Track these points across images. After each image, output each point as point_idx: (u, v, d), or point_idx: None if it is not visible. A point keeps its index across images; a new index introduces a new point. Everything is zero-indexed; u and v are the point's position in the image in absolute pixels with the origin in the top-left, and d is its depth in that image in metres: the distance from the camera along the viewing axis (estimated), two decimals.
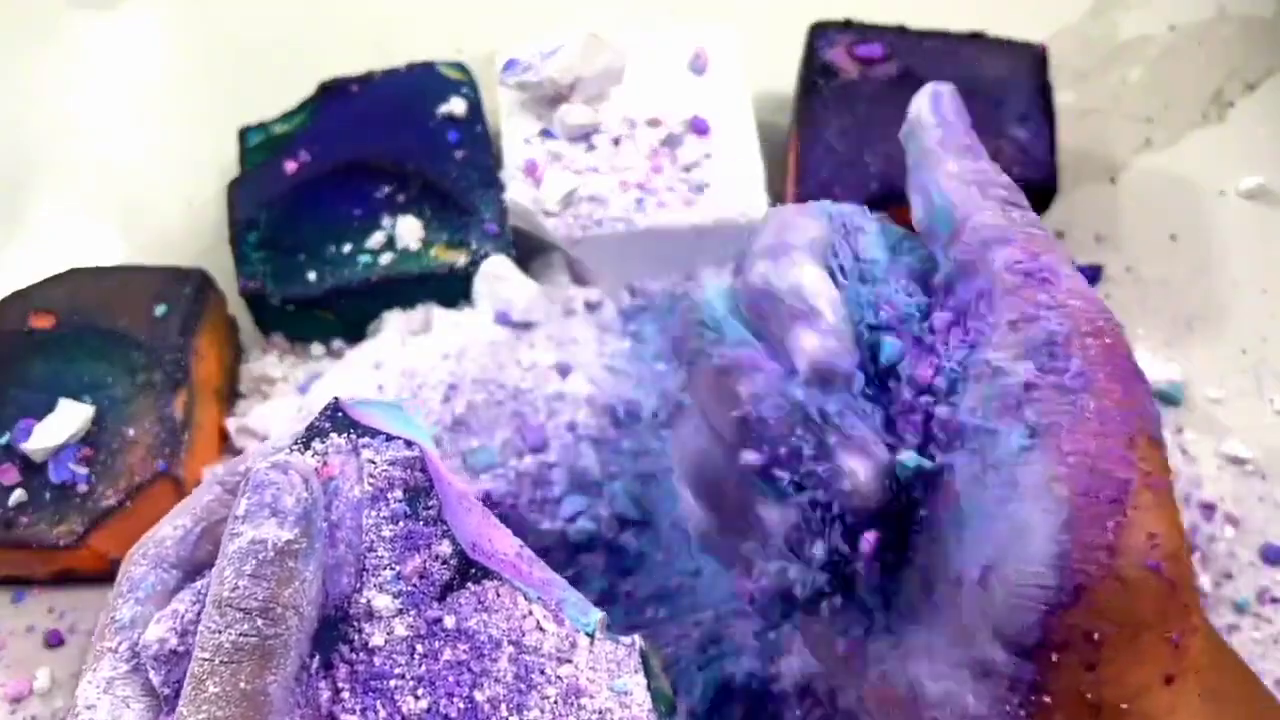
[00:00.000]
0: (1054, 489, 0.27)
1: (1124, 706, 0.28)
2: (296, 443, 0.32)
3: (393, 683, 0.30)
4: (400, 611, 0.30)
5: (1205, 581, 0.47)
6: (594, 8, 0.63)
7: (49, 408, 0.47)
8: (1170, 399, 0.52)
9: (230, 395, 0.53)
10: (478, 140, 0.54)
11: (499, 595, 0.31)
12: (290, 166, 0.54)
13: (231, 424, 0.51)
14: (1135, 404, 0.28)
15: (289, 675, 0.28)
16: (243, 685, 0.28)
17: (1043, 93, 0.55)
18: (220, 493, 0.33)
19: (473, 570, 0.31)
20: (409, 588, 0.30)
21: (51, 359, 0.49)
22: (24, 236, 0.59)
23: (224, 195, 0.54)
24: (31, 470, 0.46)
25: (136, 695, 0.31)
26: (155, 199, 0.60)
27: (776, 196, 0.55)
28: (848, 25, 0.57)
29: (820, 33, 0.57)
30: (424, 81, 0.56)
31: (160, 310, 0.50)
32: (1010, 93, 0.55)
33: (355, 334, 0.54)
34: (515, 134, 0.55)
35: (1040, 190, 0.54)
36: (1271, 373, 0.54)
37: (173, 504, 0.47)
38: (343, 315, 0.53)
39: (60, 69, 0.65)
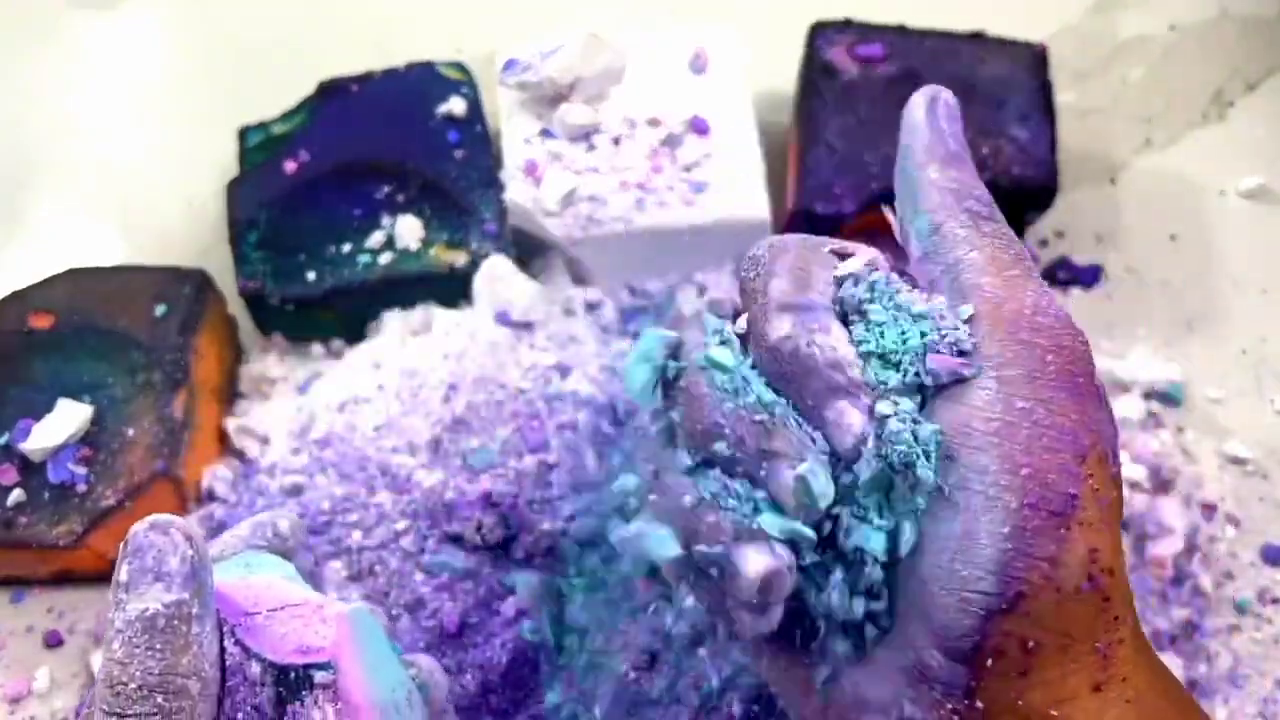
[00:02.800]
0: (1004, 499, 0.28)
1: (1053, 713, 0.29)
2: None
3: None
4: None
5: (1206, 581, 0.47)
6: (594, 8, 0.63)
7: (48, 408, 0.47)
8: (1170, 399, 0.52)
9: (230, 395, 0.53)
10: (477, 140, 0.54)
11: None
12: (290, 166, 0.54)
13: (231, 424, 0.51)
14: (1090, 422, 0.29)
15: None
16: None
17: (1043, 92, 0.55)
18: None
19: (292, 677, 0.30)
20: None
21: (51, 359, 0.49)
22: (24, 236, 0.59)
23: (224, 195, 0.54)
24: (31, 470, 0.46)
25: None
26: (155, 199, 0.60)
27: (776, 196, 0.55)
28: (848, 25, 0.57)
29: (820, 33, 0.57)
30: (424, 81, 0.56)
31: (160, 310, 0.50)
32: (1010, 92, 0.55)
33: (355, 334, 0.54)
34: (515, 134, 0.55)
35: (1040, 190, 0.54)
36: (1271, 373, 0.54)
37: (173, 504, 0.48)
38: (342, 315, 0.53)
39: (60, 69, 0.65)
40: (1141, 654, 0.30)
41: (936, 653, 0.29)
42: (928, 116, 0.34)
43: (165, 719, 0.27)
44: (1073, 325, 0.30)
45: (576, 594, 0.45)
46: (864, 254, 0.33)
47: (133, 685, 0.27)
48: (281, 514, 0.37)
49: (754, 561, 0.29)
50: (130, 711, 0.27)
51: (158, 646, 0.27)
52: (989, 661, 0.28)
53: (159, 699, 0.27)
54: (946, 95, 0.34)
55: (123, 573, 0.29)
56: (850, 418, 0.30)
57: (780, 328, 0.31)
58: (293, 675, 0.30)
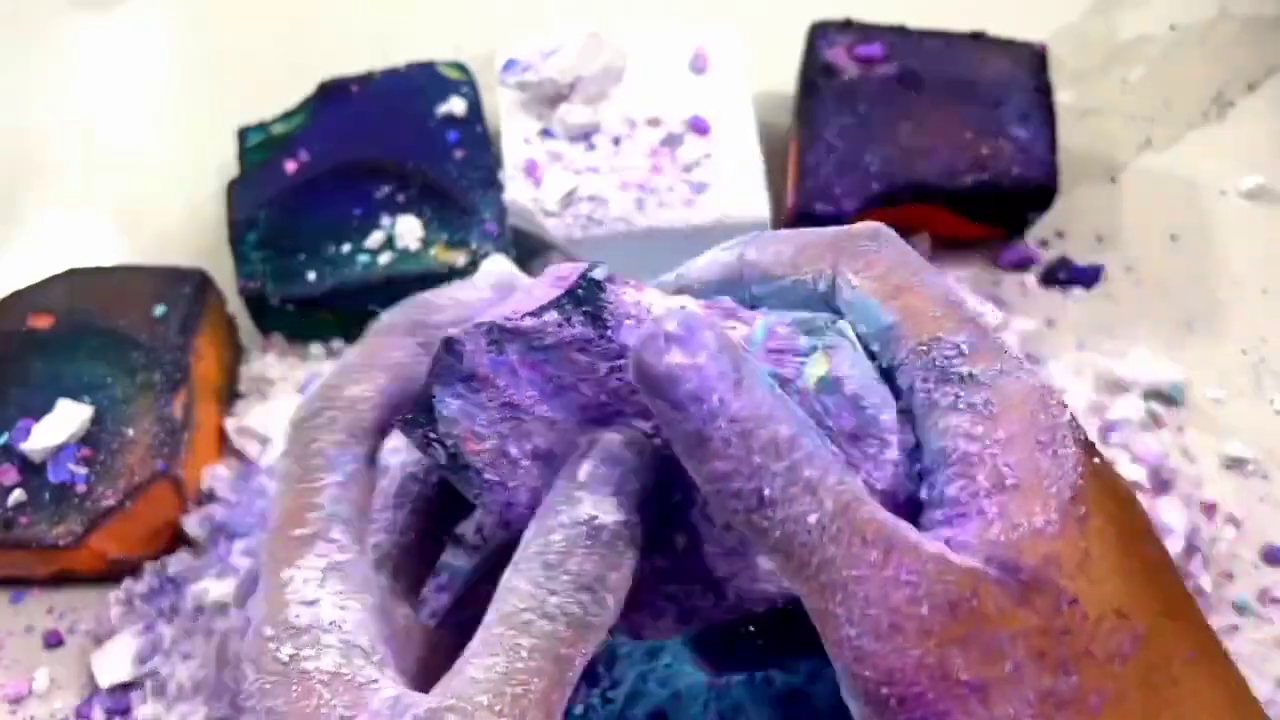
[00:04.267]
0: (848, 680, 0.27)
1: None
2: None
3: None
4: None
5: (1206, 582, 0.47)
6: (594, 7, 0.63)
7: (48, 408, 0.47)
8: (1171, 399, 0.52)
9: (230, 395, 0.53)
10: (477, 140, 0.54)
11: None
12: (290, 166, 0.54)
13: (231, 424, 0.51)
14: (931, 580, 0.26)
15: (589, 657, 0.28)
16: (561, 650, 0.27)
17: (1043, 92, 0.55)
18: (414, 348, 0.32)
19: None
20: None
21: (50, 359, 0.48)
22: (24, 236, 0.59)
23: (224, 195, 0.54)
24: (30, 470, 0.46)
25: (357, 590, 0.29)
26: (155, 199, 0.60)
27: (776, 196, 0.55)
28: (848, 25, 0.57)
29: (820, 33, 0.57)
30: (424, 81, 0.56)
31: (160, 310, 0.50)
32: (1010, 92, 0.55)
33: (355, 334, 0.53)
34: (515, 134, 0.55)
35: (1040, 190, 0.54)
36: (1272, 373, 0.54)
37: (172, 505, 0.48)
38: (342, 315, 0.53)
39: (60, 69, 0.65)
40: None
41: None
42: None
43: (583, 615, 0.28)
44: (898, 631, 0.26)
45: None
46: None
47: (570, 576, 0.28)
48: (498, 260, 0.35)
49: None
50: (559, 595, 0.28)
51: (598, 554, 0.28)
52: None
53: (585, 597, 0.28)
54: (668, 326, 0.26)
55: (583, 471, 0.29)
56: None
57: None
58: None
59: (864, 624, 0.26)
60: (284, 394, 0.52)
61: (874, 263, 0.31)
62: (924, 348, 0.29)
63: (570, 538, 0.28)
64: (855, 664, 0.26)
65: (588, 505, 0.29)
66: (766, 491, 0.26)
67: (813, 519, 0.26)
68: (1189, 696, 0.27)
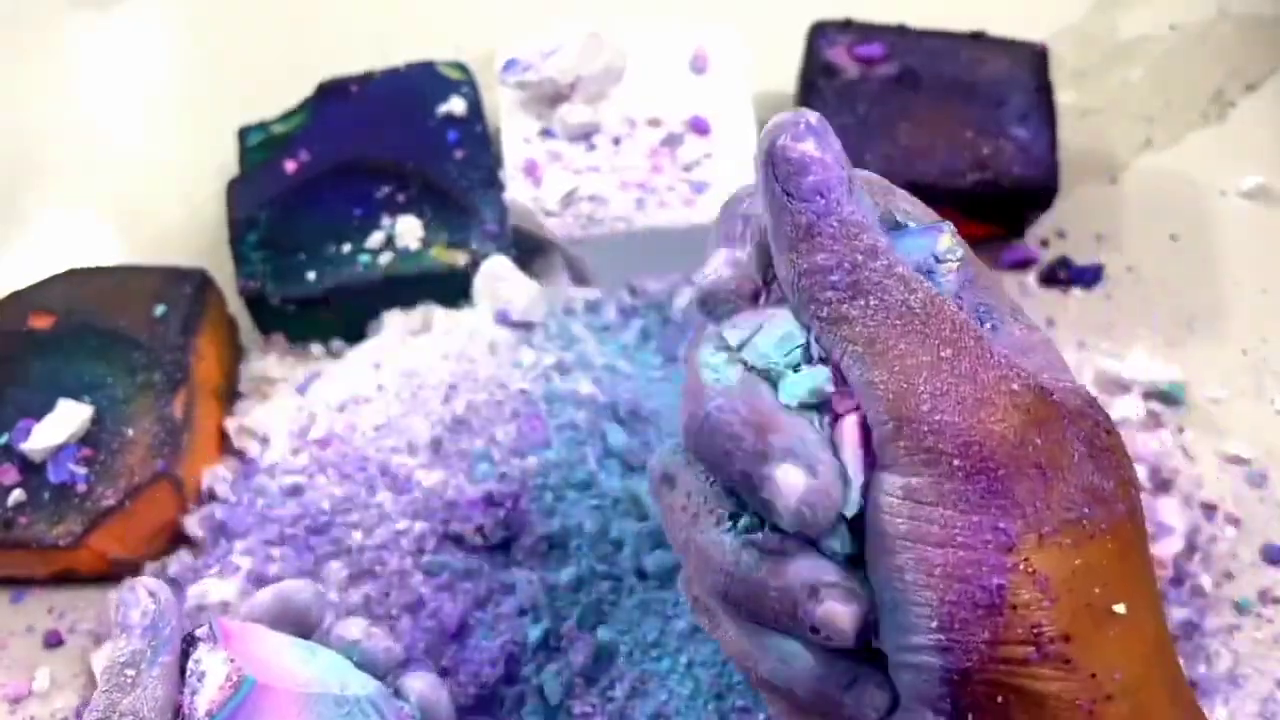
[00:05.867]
0: (924, 596, 0.28)
1: None
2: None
3: None
4: None
5: (1206, 581, 0.47)
6: (594, 7, 0.63)
7: (48, 408, 0.47)
8: (1171, 399, 0.52)
9: (230, 395, 0.53)
10: (478, 140, 0.54)
11: None
12: (290, 166, 0.54)
13: (231, 424, 0.51)
14: (1017, 507, 0.28)
15: None
16: None
17: (1043, 92, 0.55)
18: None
19: None
20: None
21: (51, 359, 0.48)
22: (24, 236, 0.59)
23: (224, 195, 0.54)
24: (31, 470, 0.46)
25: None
26: (155, 199, 0.60)
27: None
28: (848, 25, 0.57)
29: (820, 32, 0.57)
30: (424, 81, 0.56)
31: (160, 310, 0.50)
32: (1011, 92, 0.55)
33: (355, 334, 0.54)
34: (515, 134, 0.55)
35: (1040, 190, 0.54)
36: (1271, 373, 0.54)
37: (172, 505, 0.48)
38: (342, 315, 0.53)
39: (60, 69, 0.65)
40: (1155, 713, 0.29)
41: (928, 713, 0.29)
42: (764, 187, 0.30)
43: None
44: (986, 405, 0.28)
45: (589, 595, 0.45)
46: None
47: (92, 717, 0.32)
48: (301, 586, 0.37)
49: (791, 477, 0.29)
50: None
51: (108, 686, 0.32)
52: (970, 717, 0.28)
53: None
54: (790, 132, 0.29)
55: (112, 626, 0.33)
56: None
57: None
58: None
59: (948, 399, 0.28)
60: (284, 394, 0.52)
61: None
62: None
63: (100, 682, 0.33)
64: (931, 436, 0.28)
65: (107, 649, 0.34)
66: (863, 283, 0.29)
67: (905, 305, 0.29)
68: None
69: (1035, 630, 0.28)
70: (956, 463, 0.28)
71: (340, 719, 0.33)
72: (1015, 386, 0.29)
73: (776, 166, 0.29)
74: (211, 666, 0.32)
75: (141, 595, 0.33)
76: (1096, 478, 0.29)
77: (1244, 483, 0.50)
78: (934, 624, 0.28)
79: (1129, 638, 0.29)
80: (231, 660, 0.32)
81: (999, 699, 0.28)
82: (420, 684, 0.36)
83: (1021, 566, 0.28)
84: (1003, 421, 0.28)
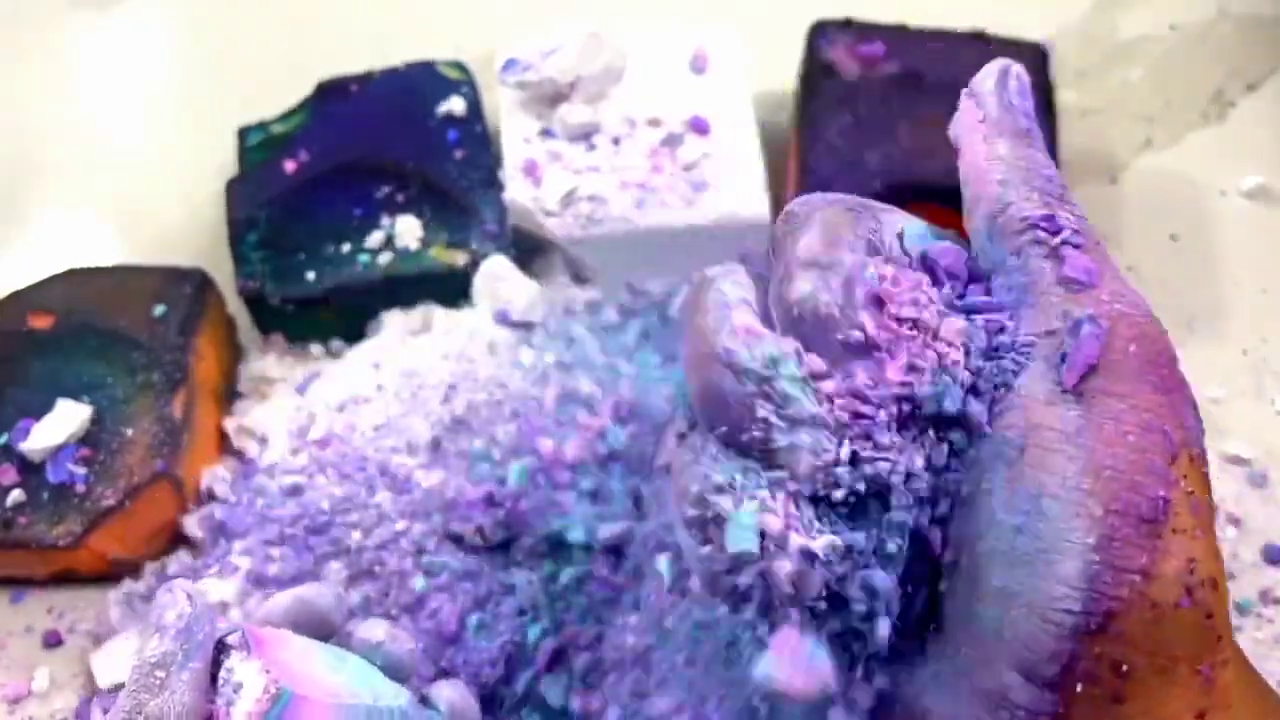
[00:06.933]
0: (1087, 504, 0.25)
1: None
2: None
3: None
4: None
5: None
6: (594, 7, 0.63)
7: (47, 408, 0.47)
8: None
9: (229, 395, 0.53)
10: (477, 140, 0.54)
11: None
12: (289, 166, 0.54)
13: (230, 424, 0.51)
14: (1178, 417, 0.27)
15: None
16: None
17: (1044, 92, 0.55)
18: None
19: None
20: None
21: (50, 359, 0.48)
22: (24, 236, 0.59)
23: (223, 195, 0.54)
24: (30, 470, 0.46)
25: None
26: (155, 199, 0.60)
27: (776, 196, 0.55)
28: (848, 24, 0.57)
29: (820, 32, 0.57)
30: (423, 81, 0.56)
31: (159, 310, 0.50)
32: None
33: (354, 334, 0.54)
34: (515, 133, 0.55)
35: None
36: (1271, 373, 0.54)
37: (172, 505, 0.48)
38: (342, 315, 0.53)
39: (60, 69, 0.65)
40: (1245, 677, 0.28)
41: (1018, 676, 0.26)
42: (997, 89, 0.32)
43: None
44: (1151, 313, 0.28)
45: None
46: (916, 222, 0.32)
47: (118, 716, 0.31)
48: (320, 590, 0.36)
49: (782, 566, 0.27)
50: None
51: (136, 687, 0.31)
52: (1078, 687, 0.26)
53: None
54: (1018, 69, 0.33)
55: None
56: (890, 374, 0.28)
57: (801, 286, 0.28)
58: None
59: (1124, 299, 0.29)
60: (283, 394, 0.52)
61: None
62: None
63: (128, 682, 0.31)
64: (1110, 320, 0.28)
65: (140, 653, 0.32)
66: (1065, 194, 0.30)
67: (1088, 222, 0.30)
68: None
69: (1190, 565, 0.25)
70: (1132, 349, 0.27)
71: None
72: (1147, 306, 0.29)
73: (1009, 80, 0.32)
74: (247, 677, 0.31)
75: (179, 597, 0.32)
76: (1191, 414, 0.28)
77: (1244, 483, 0.50)
78: (1091, 539, 0.25)
79: (1226, 597, 0.27)
80: (267, 671, 0.31)
81: (1124, 667, 0.25)
82: (451, 692, 0.35)
83: (1182, 484, 0.26)
84: (1163, 330, 0.29)
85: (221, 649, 0.32)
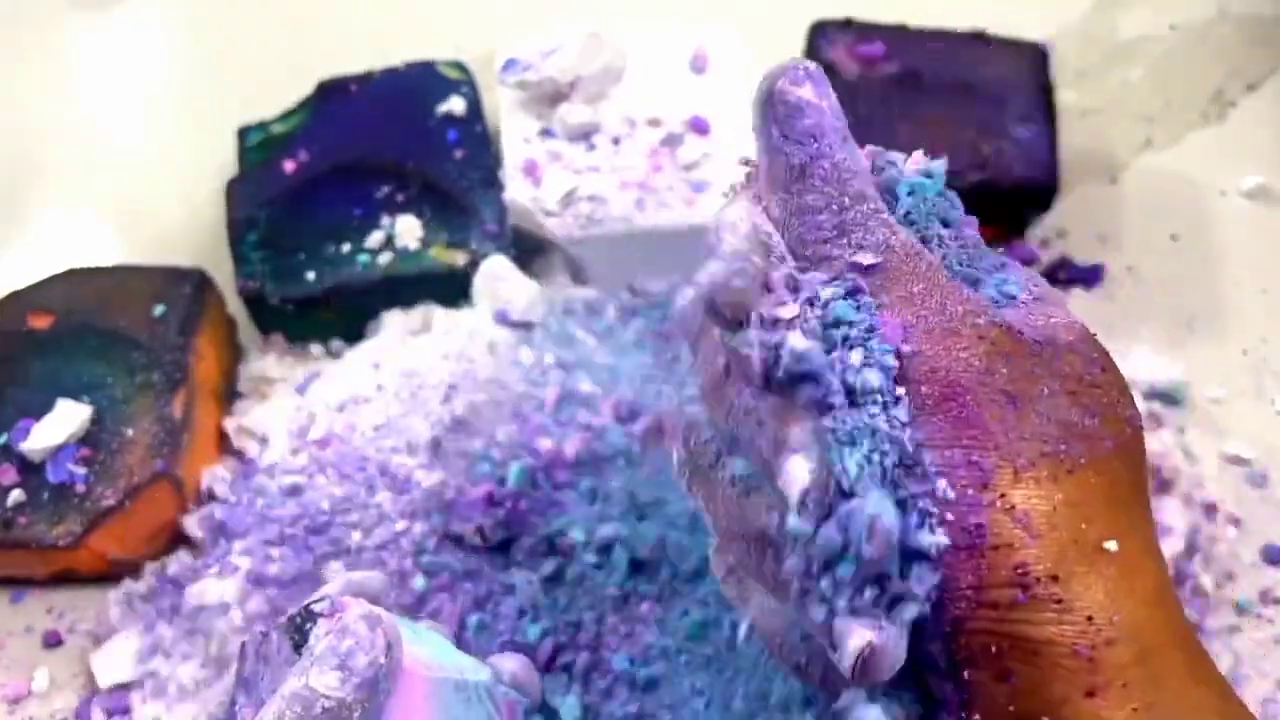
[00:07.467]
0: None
1: None
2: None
3: None
4: None
5: (1207, 582, 0.47)
6: (594, 7, 0.63)
7: (47, 408, 0.47)
8: (1171, 399, 0.52)
9: (229, 395, 0.53)
10: (477, 140, 0.54)
11: None
12: (289, 166, 0.54)
13: (230, 424, 0.51)
14: (990, 442, 0.28)
15: None
16: None
17: (1044, 92, 0.55)
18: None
19: None
20: None
21: (50, 359, 0.48)
22: (24, 236, 0.59)
23: (223, 195, 0.54)
24: (30, 470, 0.46)
25: None
26: (155, 199, 0.60)
27: None
28: (848, 24, 0.57)
29: (820, 32, 0.57)
30: (423, 81, 0.56)
31: (159, 310, 0.50)
32: (1011, 92, 0.55)
33: (354, 334, 0.54)
34: (515, 133, 0.55)
35: (1041, 190, 0.54)
36: (1272, 373, 0.54)
37: (172, 505, 0.48)
38: (342, 315, 0.53)
39: (60, 69, 0.65)
40: (1160, 658, 0.28)
41: (927, 672, 0.29)
42: (764, 128, 0.31)
43: None
44: (952, 334, 0.29)
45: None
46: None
47: None
48: (371, 575, 0.36)
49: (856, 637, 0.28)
50: None
51: None
52: (966, 673, 0.28)
53: None
54: (794, 70, 0.30)
55: (320, 644, 0.29)
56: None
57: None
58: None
59: (916, 330, 0.29)
60: (283, 394, 0.52)
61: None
62: None
63: (285, 707, 0.29)
64: (900, 363, 0.29)
65: (314, 676, 0.29)
66: (848, 224, 0.30)
67: (885, 245, 0.30)
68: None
69: (1020, 571, 0.27)
70: (925, 389, 0.28)
71: (461, 704, 0.32)
72: (980, 321, 0.29)
73: (774, 109, 0.30)
74: None
75: (379, 643, 0.30)
76: (1076, 413, 0.29)
77: (1245, 483, 0.50)
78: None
79: (1126, 577, 0.28)
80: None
81: (993, 649, 0.28)
82: (513, 664, 0.36)
83: (999, 504, 0.28)
84: (968, 350, 0.29)
85: (309, 617, 0.31)
